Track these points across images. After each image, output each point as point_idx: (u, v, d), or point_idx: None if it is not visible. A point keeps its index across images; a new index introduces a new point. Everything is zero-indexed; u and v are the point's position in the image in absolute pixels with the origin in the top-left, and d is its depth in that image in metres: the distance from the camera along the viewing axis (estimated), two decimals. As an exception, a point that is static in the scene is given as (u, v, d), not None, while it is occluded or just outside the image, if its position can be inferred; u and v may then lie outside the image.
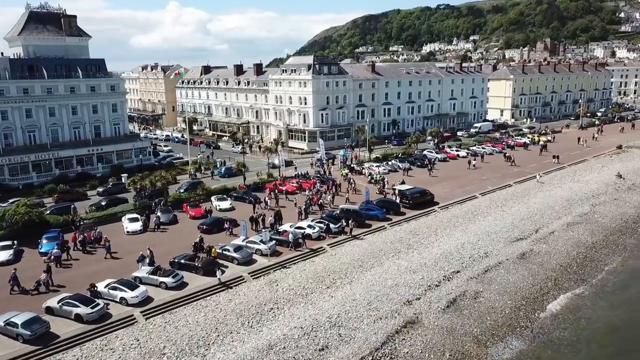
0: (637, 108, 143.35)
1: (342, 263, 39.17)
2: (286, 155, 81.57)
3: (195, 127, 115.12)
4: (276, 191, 55.36)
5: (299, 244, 41.46)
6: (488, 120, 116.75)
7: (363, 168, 67.15)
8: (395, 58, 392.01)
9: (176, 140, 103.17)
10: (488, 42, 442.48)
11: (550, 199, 57.79)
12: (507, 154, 79.53)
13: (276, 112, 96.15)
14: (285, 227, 44.23)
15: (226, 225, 45.88)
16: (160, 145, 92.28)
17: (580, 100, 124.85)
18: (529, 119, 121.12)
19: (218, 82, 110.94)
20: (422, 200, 53.14)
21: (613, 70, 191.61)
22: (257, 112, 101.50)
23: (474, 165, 71.87)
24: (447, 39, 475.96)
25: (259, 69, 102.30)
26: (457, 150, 79.89)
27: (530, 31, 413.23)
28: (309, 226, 43.51)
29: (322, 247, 41.85)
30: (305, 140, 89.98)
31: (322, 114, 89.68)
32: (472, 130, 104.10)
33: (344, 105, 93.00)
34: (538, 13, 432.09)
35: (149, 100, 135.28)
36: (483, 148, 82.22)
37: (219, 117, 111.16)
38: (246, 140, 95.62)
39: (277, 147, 64.01)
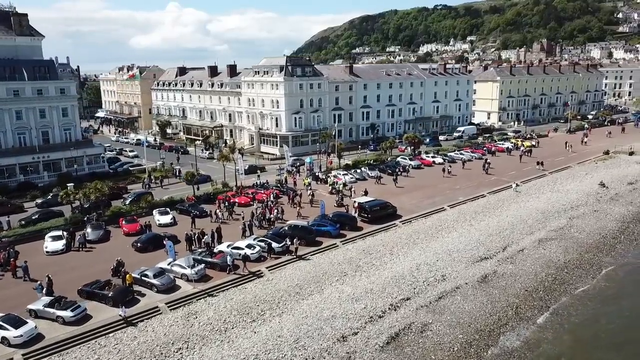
0: (631, 110, 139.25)
1: (277, 290, 34.95)
2: (254, 161, 77.77)
3: (169, 131, 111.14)
4: (226, 203, 51.15)
5: (235, 266, 37.27)
6: (473, 124, 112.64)
7: (328, 177, 62.90)
8: (391, 59, 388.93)
9: (146, 144, 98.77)
10: (485, 43, 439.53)
11: (524, 212, 53.62)
12: (487, 160, 75.57)
13: (248, 116, 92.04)
14: (222, 246, 40.02)
15: (165, 243, 41.73)
16: (127, 151, 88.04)
17: (568, 103, 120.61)
18: (516, 122, 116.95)
19: (192, 84, 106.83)
20: (382, 214, 48.96)
21: (607, 72, 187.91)
22: (230, 115, 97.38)
23: (449, 172, 67.72)
24: (444, 40, 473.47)
25: (232, 70, 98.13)
26: (433, 157, 75.65)
27: (527, 32, 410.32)
28: (248, 246, 39.29)
29: (260, 271, 37.66)
30: (277, 145, 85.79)
31: (295, 118, 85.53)
32: (455, 134, 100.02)
33: (319, 108, 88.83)
34: (535, 13, 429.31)
35: (125, 102, 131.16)
36: (461, 154, 78.01)
37: (193, 120, 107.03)
38: (216, 145, 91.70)
39: (234, 154, 59.49)
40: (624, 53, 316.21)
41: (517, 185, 62.59)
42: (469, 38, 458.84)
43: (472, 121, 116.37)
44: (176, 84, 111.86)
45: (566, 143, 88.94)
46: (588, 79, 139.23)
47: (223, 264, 36.78)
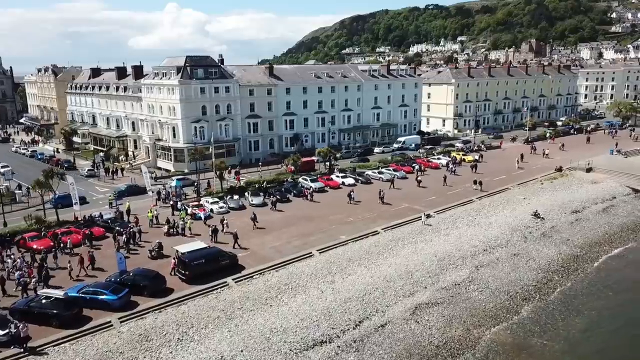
0: (607, 116, 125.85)
1: None
2: (133, 180, 64.98)
3: (79, 140, 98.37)
4: (9, 251, 38.33)
5: None
6: (423, 132, 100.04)
7: (186, 206, 49.79)
8: (380, 60, 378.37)
9: (39, 157, 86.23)
10: (475, 43, 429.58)
11: (417, 258, 40.84)
12: (417, 178, 63.15)
13: (147, 124, 79.30)
14: None
15: None
16: (-2, 165, 75.00)
17: (524, 109, 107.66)
18: (472, 130, 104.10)
19: (101, 88, 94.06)
20: (210, 268, 36.13)
21: (588, 73, 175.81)
22: (133, 123, 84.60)
23: (351, 198, 54.87)
24: (434, 40, 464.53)
25: (137, 72, 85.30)
26: (344, 177, 62.80)
27: (518, 32, 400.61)
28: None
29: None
30: (172, 159, 73.11)
31: (195, 127, 72.75)
32: (395, 145, 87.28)
33: (228, 116, 76.09)
34: (526, 13, 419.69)
35: (45, 107, 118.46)
36: (380, 173, 65.15)
37: (101, 128, 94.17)
38: (112, 158, 79.46)
39: (54, 180, 46.36)
40: (614, 53, 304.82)
41: (427, 216, 49.91)
42: (459, 38, 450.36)
43: (423, 129, 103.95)
44: (87, 87, 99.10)
45: (521, 156, 76.51)
46: (559, 81, 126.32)
47: None
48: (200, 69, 73.86)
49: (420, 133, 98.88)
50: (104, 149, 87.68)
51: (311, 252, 41.13)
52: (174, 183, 54.67)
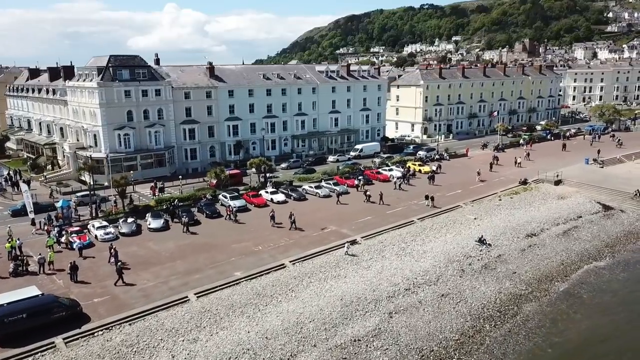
0: (592, 119, 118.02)
1: None
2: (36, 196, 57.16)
3: (14, 147, 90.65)
4: None
5: None
6: (388, 138, 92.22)
7: (58, 233, 41.76)
8: (374, 59, 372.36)
9: (-40, 167, 78.63)
10: (470, 43, 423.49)
11: (314, 304, 32.99)
12: (366, 192, 55.43)
13: (72, 131, 71.65)
14: None
15: None
16: None
17: (494, 112, 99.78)
18: (443, 136, 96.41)
19: (34, 90, 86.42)
20: (38, 324, 28.32)
21: (577, 74, 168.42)
22: (61, 129, 76.86)
23: (274, 219, 47.00)
24: (428, 40, 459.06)
25: (67, 73, 77.44)
26: (273, 193, 54.90)
27: (512, 31, 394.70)
28: None
29: None
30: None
31: (119, 135, 65.08)
32: (352, 154, 79.57)
33: (158, 122, 68.41)
34: (521, 13, 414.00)
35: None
36: (317, 188, 57.33)
37: (34, 134, 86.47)
38: (29, 169, 71.75)
39: None
40: (608, 53, 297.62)
41: (352, 243, 42.19)
42: (454, 38, 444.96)
43: (391, 135, 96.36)
44: (23, 90, 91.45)
45: (490, 165, 69.36)
46: (540, 82, 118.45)
47: None
48: (125, 69, 66.11)
49: (385, 139, 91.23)
50: (34, 157, 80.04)
51: (187, 297, 33.26)
52: (60, 203, 46.50)
